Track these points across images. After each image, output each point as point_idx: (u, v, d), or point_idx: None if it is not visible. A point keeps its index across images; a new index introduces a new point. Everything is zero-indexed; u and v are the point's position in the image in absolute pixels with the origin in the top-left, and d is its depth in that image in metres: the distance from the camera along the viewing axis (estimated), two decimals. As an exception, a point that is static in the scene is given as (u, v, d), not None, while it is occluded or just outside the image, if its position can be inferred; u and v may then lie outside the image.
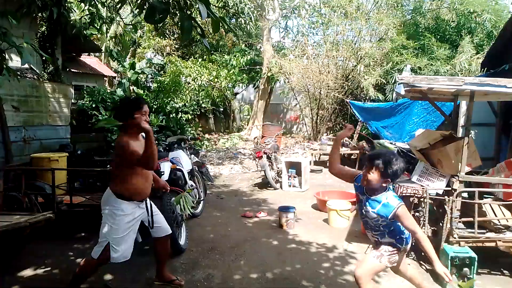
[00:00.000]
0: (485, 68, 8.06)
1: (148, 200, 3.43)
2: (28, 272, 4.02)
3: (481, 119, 7.70)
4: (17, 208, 4.70)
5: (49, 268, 4.11)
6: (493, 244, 3.88)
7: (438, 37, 11.63)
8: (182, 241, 4.55)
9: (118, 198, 3.17)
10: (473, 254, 3.66)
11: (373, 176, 2.75)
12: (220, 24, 2.41)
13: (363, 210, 2.96)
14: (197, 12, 2.42)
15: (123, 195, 3.18)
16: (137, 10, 4.46)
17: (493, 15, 10.91)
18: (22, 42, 3.17)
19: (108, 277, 3.92)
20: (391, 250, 2.94)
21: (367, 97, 12.43)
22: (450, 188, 3.99)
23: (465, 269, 3.66)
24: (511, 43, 7.17)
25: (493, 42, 8.19)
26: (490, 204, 4.14)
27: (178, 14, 2.33)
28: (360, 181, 2.90)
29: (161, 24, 15.66)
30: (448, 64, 10.37)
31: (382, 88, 11.67)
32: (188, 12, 2.40)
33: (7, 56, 2.90)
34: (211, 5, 2.15)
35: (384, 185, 2.80)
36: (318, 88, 13.39)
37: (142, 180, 3.25)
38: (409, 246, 3.01)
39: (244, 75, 16.80)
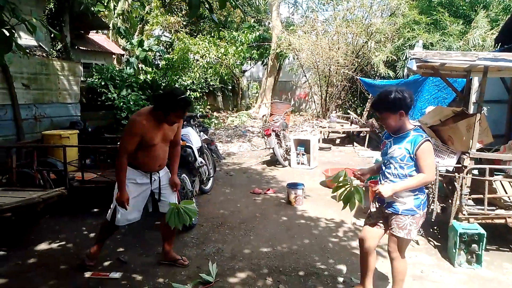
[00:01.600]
0: (499, 44, 7.87)
1: (158, 173, 3.47)
2: (43, 246, 4.12)
3: (493, 96, 7.57)
4: (29, 184, 4.80)
5: (63, 243, 4.21)
6: (502, 221, 3.87)
7: (451, 12, 11.31)
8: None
9: None
10: (482, 231, 3.66)
11: (387, 119, 2.74)
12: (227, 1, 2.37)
13: (387, 154, 2.83)
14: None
15: (129, 163, 3.28)
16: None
17: (510, -12, 10.56)
18: (31, 18, 3.15)
19: (121, 250, 4.01)
20: (414, 221, 2.77)
21: (377, 74, 12.26)
22: (460, 165, 3.97)
23: (474, 245, 3.67)
24: (527, 17, 6.97)
25: (509, 16, 7.96)
26: (500, 181, 4.12)
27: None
28: (386, 131, 2.93)
29: (169, 0, 15.49)
30: (461, 40, 10.12)
31: (392, 65, 11.48)
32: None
33: (16, 33, 2.87)
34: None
35: (402, 118, 2.71)
36: (328, 65, 13.22)
37: (146, 157, 3.32)
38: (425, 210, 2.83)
39: (253, 51, 16.62)
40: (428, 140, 2.68)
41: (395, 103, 2.66)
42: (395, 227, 2.81)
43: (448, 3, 11.74)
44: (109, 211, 3.46)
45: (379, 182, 2.94)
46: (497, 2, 10.97)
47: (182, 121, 3.62)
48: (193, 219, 3.51)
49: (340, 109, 13.92)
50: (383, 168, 2.90)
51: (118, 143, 3.21)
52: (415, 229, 2.79)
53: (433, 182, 4.00)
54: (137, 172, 3.36)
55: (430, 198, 4.09)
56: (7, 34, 2.93)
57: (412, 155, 2.70)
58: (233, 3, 2.73)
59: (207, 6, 2.84)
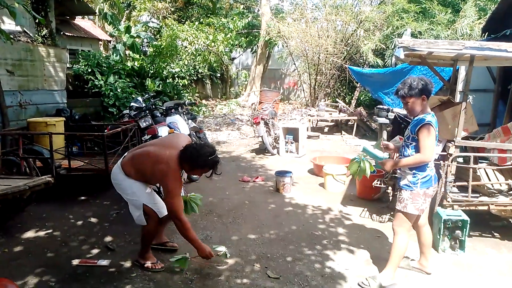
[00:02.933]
0: (486, 33, 7.94)
1: None
2: (30, 234, 4.10)
3: (480, 85, 7.67)
4: (15, 172, 4.74)
5: (50, 231, 4.19)
6: (485, 207, 3.95)
7: (440, 1, 11.34)
8: (180, 204, 4.61)
9: (126, 176, 3.29)
10: (466, 217, 3.74)
11: (411, 103, 2.99)
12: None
13: (405, 134, 3.15)
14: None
15: (130, 176, 3.28)
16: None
17: (498, -23, 10.61)
18: (14, 2, 3.09)
19: (109, 238, 4.01)
20: (411, 196, 3.02)
21: (366, 63, 12.29)
22: (446, 153, 4.03)
23: (457, 231, 3.75)
24: (514, 7, 7.03)
25: (496, 6, 8.01)
26: (484, 169, 4.20)
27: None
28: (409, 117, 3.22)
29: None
30: (449, 29, 10.19)
31: (381, 53, 11.52)
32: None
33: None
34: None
35: (424, 102, 2.98)
36: (317, 53, 13.20)
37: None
38: (429, 191, 3.05)
39: (242, 38, 16.48)
40: (429, 124, 2.89)
41: (419, 87, 2.94)
42: (396, 200, 3.15)
43: (437, -9, 11.78)
44: (137, 218, 3.35)
45: None
46: (485, -8, 11.03)
47: None
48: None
49: (329, 98, 13.94)
50: (403, 143, 3.20)
51: (169, 202, 3.15)
52: (411, 203, 3.03)
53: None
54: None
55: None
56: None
57: (414, 135, 2.97)
58: None
59: None
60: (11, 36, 5.63)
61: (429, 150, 2.90)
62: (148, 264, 3.40)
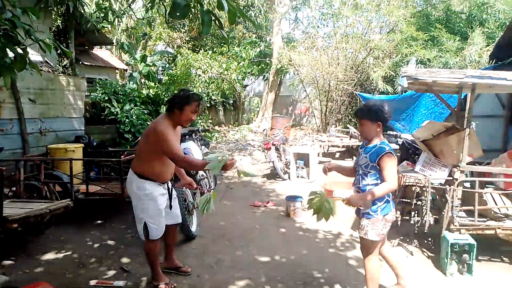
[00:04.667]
0: (494, 60, 8.08)
1: (169, 183, 3.58)
2: (49, 256, 4.26)
3: (489, 111, 7.76)
4: (36, 196, 4.96)
5: (69, 253, 4.35)
6: (492, 231, 4.00)
7: (448, 28, 11.56)
8: (193, 228, 4.75)
9: (140, 178, 3.33)
10: (472, 241, 3.79)
11: (365, 126, 3.05)
12: (238, 16, 2.53)
13: (358, 161, 3.18)
14: (214, 5, 2.58)
15: (143, 175, 3.33)
16: (149, 4, 4.60)
17: (506, 5, 10.80)
18: (45, 38, 3.36)
19: (124, 260, 4.15)
20: (370, 222, 3.04)
21: (376, 89, 12.45)
22: (451, 178, 4.12)
23: (465, 255, 3.80)
24: (520, 34, 7.19)
25: (502, 34, 8.18)
26: (491, 194, 4.26)
27: (199, 9, 2.48)
28: (363, 142, 3.21)
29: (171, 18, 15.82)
30: (457, 56, 10.34)
31: (391, 80, 11.69)
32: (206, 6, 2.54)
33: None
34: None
35: (378, 129, 3.03)
36: (328, 80, 13.44)
37: (163, 165, 3.37)
38: (388, 217, 3.05)
39: (254, 66, 16.90)
40: (391, 153, 2.95)
41: (377, 113, 2.99)
42: (359, 228, 3.16)
43: (445, 19, 12.02)
44: (139, 231, 3.44)
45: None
46: (493, 19, 11.22)
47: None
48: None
49: (340, 124, 14.09)
50: (356, 169, 3.23)
51: (172, 154, 3.20)
52: (372, 229, 3.04)
53: (425, 195, 4.16)
54: (156, 184, 3.39)
55: (424, 210, 4.24)
56: (22, 53, 3.14)
57: (374, 164, 2.97)
58: (244, 18, 2.88)
59: (217, 23, 3.00)
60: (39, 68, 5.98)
61: (395, 178, 2.95)
62: (162, 285, 3.51)
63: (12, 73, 3.13)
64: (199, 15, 2.71)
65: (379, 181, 2.99)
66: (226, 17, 2.65)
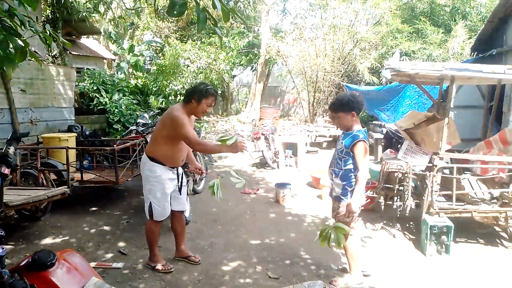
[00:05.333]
0: (475, 53, 8.37)
1: (180, 169, 3.73)
2: (47, 241, 4.41)
3: (471, 102, 8.08)
4: (32, 184, 5.08)
5: (66, 238, 4.51)
6: (469, 215, 4.28)
7: (433, 21, 11.84)
8: (187, 213, 4.92)
9: (152, 161, 3.51)
10: (450, 223, 4.06)
11: (341, 118, 3.22)
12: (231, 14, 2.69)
13: (336, 145, 3.38)
14: (209, 4, 2.72)
15: (155, 158, 3.51)
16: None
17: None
18: (45, 29, 3.47)
19: (121, 244, 4.32)
20: (342, 205, 3.26)
21: (363, 80, 12.72)
22: (431, 164, 4.37)
23: (443, 236, 4.06)
24: (499, 28, 7.48)
25: (482, 27, 8.47)
26: (468, 179, 4.54)
27: (194, 7, 2.62)
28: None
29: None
30: (441, 48, 10.64)
31: (377, 71, 11.96)
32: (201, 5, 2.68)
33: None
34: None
35: (353, 118, 3.20)
36: (315, 71, 13.65)
37: (175, 150, 3.54)
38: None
39: (243, 57, 16.99)
40: (364, 140, 3.14)
41: (349, 104, 3.17)
42: (331, 211, 3.43)
43: (429, 12, 12.29)
44: (145, 211, 3.62)
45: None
46: (475, 13, 11.54)
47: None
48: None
49: (327, 114, 14.34)
50: (333, 156, 3.40)
51: (186, 137, 3.40)
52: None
53: (407, 180, 4.42)
54: (165, 168, 3.55)
55: (405, 195, 4.49)
56: (23, 44, 3.25)
57: (348, 150, 3.18)
58: (236, 15, 3.03)
59: (212, 20, 3.13)
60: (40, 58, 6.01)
61: (366, 166, 3.16)
62: (159, 266, 3.70)
63: (13, 65, 3.23)
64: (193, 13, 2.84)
65: (352, 167, 3.20)
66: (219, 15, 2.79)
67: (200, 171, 4.06)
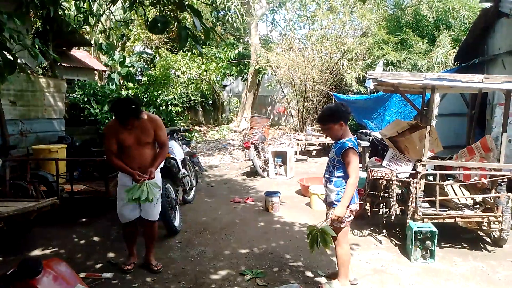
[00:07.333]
0: (458, 62, 8.59)
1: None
2: (37, 252, 4.43)
3: (455, 110, 8.26)
4: (22, 196, 5.08)
5: (56, 249, 4.53)
6: (452, 220, 4.39)
7: (417, 32, 12.13)
8: (176, 223, 4.98)
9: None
10: (434, 229, 4.16)
11: (330, 129, 3.34)
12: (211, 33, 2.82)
13: (329, 156, 3.49)
14: (191, 22, 2.83)
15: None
16: (128, 5, 4.76)
17: (470, 11, 11.44)
18: (34, 43, 3.54)
19: (111, 254, 4.35)
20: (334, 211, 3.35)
21: (350, 90, 12.93)
22: (415, 172, 4.49)
23: (428, 242, 4.16)
24: (480, 38, 7.70)
25: (464, 37, 8.71)
26: (451, 185, 4.66)
27: (176, 25, 2.73)
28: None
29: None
30: (426, 58, 10.89)
31: (364, 81, 12.14)
32: (183, 23, 2.79)
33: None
34: (203, 18, 2.56)
35: (342, 128, 3.31)
36: (304, 81, 13.84)
37: (126, 158, 3.77)
38: (352, 207, 3.39)
39: (233, 67, 17.15)
40: (353, 148, 3.26)
41: (335, 115, 3.31)
42: (326, 217, 3.47)
43: (414, 23, 12.59)
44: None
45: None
46: (459, 24, 11.85)
47: (159, 125, 3.89)
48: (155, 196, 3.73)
49: (316, 123, 14.49)
50: (327, 165, 3.52)
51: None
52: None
53: (392, 187, 4.52)
54: (123, 175, 3.82)
55: (391, 202, 4.60)
56: (11, 58, 3.32)
57: (339, 158, 3.30)
58: (216, 36, 3.14)
59: (193, 37, 3.24)
60: (29, 71, 6.04)
61: (357, 172, 3.27)
62: (127, 267, 3.93)
63: (3, 78, 3.29)
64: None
65: (343, 174, 3.33)
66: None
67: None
